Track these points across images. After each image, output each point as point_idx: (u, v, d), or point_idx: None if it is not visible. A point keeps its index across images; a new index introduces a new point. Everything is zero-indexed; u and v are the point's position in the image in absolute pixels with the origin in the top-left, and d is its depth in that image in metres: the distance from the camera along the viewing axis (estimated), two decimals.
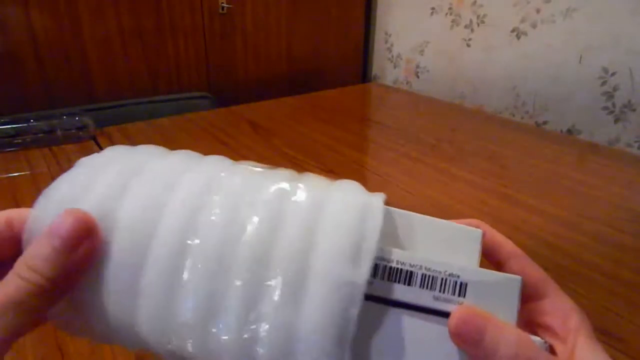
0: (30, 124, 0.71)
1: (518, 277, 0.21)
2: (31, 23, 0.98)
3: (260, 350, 0.18)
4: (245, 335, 0.18)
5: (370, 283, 0.19)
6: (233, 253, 0.19)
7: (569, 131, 1.13)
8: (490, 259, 0.24)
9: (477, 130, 0.83)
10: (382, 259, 0.20)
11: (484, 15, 1.26)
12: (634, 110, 1.00)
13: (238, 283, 0.19)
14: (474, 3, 1.27)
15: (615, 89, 1.02)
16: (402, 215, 0.22)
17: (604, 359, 0.20)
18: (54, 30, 1.01)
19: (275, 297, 0.18)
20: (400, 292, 0.20)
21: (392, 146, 0.73)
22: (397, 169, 0.63)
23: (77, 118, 0.75)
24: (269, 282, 0.19)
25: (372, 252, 0.19)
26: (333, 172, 0.61)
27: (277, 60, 1.40)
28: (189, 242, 0.19)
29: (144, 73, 1.16)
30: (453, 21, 1.35)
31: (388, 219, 0.22)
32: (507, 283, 0.20)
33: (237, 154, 0.68)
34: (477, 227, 0.23)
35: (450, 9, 1.35)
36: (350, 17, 1.53)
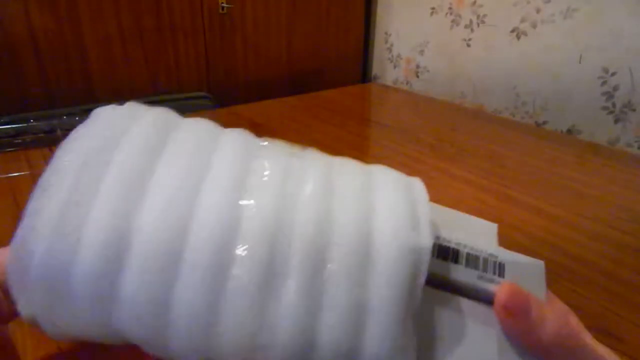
0: (30, 124, 0.71)
1: (541, 261, 0.21)
2: (31, 23, 0.98)
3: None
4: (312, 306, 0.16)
5: None
6: (292, 219, 0.17)
7: (569, 131, 1.13)
8: None
9: (477, 130, 0.83)
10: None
11: (484, 15, 1.26)
12: (634, 110, 1.00)
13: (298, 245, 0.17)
14: (474, 3, 1.27)
15: (615, 89, 1.02)
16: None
17: (607, 350, 0.20)
18: (54, 30, 1.01)
19: (340, 266, 0.16)
20: (448, 269, 0.19)
21: (392, 146, 0.73)
22: (397, 169, 0.63)
23: (77, 118, 0.75)
24: (334, 245, 0.17)
25: (428, 218, 0.18)
26: None
27: (277, 60, 1.40)
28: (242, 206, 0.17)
29: (144, 73, 1.16)
30: (453, 21, 1.35)
31: None
32: (534, 265, 0.21)
33: None
34: None
35: (450, 9, 1.35)
36: (350, 17, 1.53)
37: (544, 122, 1.18)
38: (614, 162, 0.68)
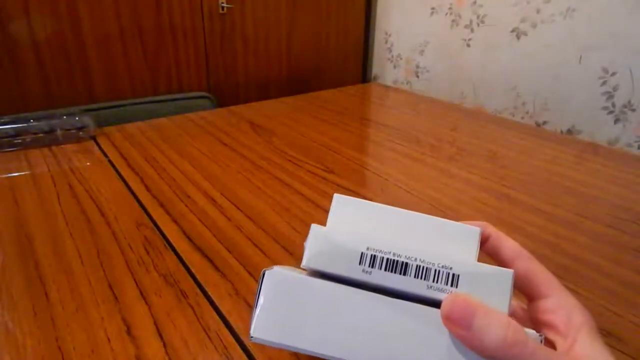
0: (30, 124, 0.71)
1: (510, 271, 0.22)
2: (31, 23, 0.98)
3: None
4: None
5: (368, 273, 0.21)
6: None
7: (569, 131, 1.13)
8: (496, 259, 0.25)
9: (477, 130, 0.83)
10: (381, 251, 0.22)
11: (484, 15, 1.26)
12: (634, 110, 1.00)
13: None
14: (474, 3, 1.27)
15: (615, 89, 1.02)
16: (403, 213, 0.24)
17: (601, 350, 0.20)
18: (54, 30, 1.01)
19: None
20: (396, 281, 0.21)
21: (392, 146, 0.73)
22: (397, 169, 0.63)
23: (77, 118, 0.75)
24: None
25: None
26: (333, 172, 0.61)
27: (277, 60, 1.40)
28: None
29: (144, 73, 1.16)
30: (453, 21, 1.35)
31: (389, 216, 0.24)
32: (499, 276, 0.22)
33: (237, 153, 0.68)
34: (484, 228, 0.25)
35: (450, 9, 1.35)
36: (350, 17, 1.53)
37: (544, 122, 1.18)
38: (614, 162, 0.68)
